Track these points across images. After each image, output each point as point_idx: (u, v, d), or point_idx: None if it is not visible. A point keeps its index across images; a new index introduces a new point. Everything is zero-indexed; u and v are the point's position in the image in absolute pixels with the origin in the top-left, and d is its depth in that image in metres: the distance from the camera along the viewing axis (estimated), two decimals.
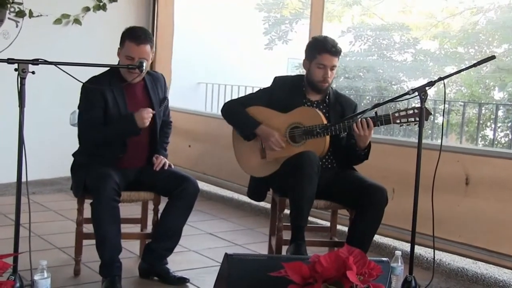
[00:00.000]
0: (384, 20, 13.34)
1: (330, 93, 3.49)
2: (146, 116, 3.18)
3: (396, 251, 3.20)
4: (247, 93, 4.49)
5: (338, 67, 3.45)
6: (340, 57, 3.42)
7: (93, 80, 3.25)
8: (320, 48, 3.36)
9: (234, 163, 3.63)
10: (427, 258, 3.87)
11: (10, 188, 5.18)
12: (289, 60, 12.63)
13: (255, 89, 3.89)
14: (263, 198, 3.67)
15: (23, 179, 2.67)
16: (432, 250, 3.18)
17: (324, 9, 4.77)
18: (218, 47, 10.50)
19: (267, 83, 3.64)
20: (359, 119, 3.19)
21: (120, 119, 3.22)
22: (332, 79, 3.43)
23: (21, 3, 5.45)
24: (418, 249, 3.79)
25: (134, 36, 3.20)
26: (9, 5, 5.39)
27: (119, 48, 3.28)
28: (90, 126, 3.24)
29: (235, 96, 4.09)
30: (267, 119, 3.45)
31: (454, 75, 3.29)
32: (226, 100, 3.74)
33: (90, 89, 3.20)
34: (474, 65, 2.99)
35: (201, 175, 5.57)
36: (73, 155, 3.36)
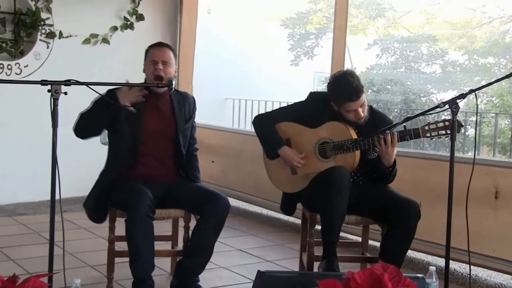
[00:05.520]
0: (411, 32, 13.27)
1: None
2: (127, 90, 3.17)
3: (430, 267, 3.14)
4: (274, 108, 4.51)
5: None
6: (363, 90, 3.26)
7: (113, 92, 3.27)
8: (343, 99, 3.24)
9: (261, 178, 3.63)
10: (462, 274, 3.80)
11: (42, 206, 5.25)
12: (315, 74, 12.62)
13: (282, 105, 3.89)
14: (292, 212, 3.65)
15: (56, 197, 2.69)
16: (467, 265, 3.12)
17: (348, 23, 4.76)
18: (245, 63, 10.56)
19: (294, 98, 3.63)
20: (383, 136, 3.16)
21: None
22: (367, 109, 3.32)
23: (51, 25, 5.56)
24: (452, 264, 3.72)
25: (155, 44, 3.41)
26: (40, 27, 5.50)
27: (144, 64, 3.38)
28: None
29: (262, 112, 4.11)
30: (297, 134, 3.44)
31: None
32: (254, 115, 3.73)
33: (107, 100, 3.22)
34: (507, 76, 2.93)
35: (230, 191, 5.57)
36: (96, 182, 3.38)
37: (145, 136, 3.30)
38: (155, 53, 3.33)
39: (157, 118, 3.35)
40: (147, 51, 3.40)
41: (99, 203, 3.31)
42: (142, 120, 3.29)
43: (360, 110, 3.26)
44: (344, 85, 3.24)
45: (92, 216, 3.38)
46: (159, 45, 3.39)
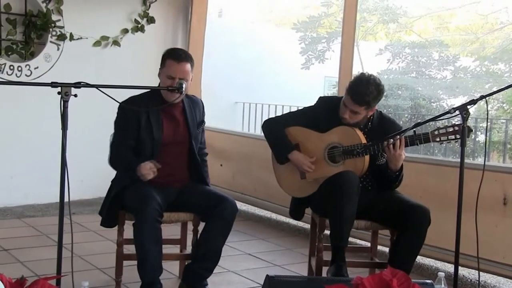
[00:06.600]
0: (422, 37, 13.23)
1: (373, 118, 3.40)
2: (146, 172, 3.12)
3: (439, 273, 3.12)
4: (284, 112, 4.52)
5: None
6: (370, 106, 3.26)
7: (130, 100, 3.29)
8: (348, 92, 3.26)
9: (270, 182, 3.62)
10: (471, 280, 3.77)
11: (51, 208, 5.26)
12: (326, 79, 12.59)
13: (293, 108, 3.89)
14: (301, 217, 3.65)
15: (65, 199, 2.69)
16: (476, 271, 3.09)
17: (361, 27, 4.75)
18: (256, 67, 10.54)
19: (304, 102, 3.62)
20: (391, 140, 3.14)
21: (131, 164, 3.19)
22: (356, 121, 3.29)
23: (62, 27, 5.59)
24: (461, 270, 3.70)
25: (175, 55, 3.26)
26: (51, 29, 5.53)
27: (160, 69, 3.31)
28: (116, 149, 3.30)
29: (272, 116, 4.11)
30: (306, 139, 3.43)
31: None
32: (264, 119, 3.72)
33: (126, 110, 3.24)
34: None
35: (239, 195, 5.57)
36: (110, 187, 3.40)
37: (164, 145, 3.30)
38: (172, 69, 3.20)
39: (173, 127, 3.34)
40: (164, 59, 3.28)
41: (111, 209, 3.31)
42: (162, 130, 3.29)
43: (350, 114, 3.25)
44: (361, 86, 3.24)
45: (104, 222, 3.39)
46: (177, 59, 3.22)
